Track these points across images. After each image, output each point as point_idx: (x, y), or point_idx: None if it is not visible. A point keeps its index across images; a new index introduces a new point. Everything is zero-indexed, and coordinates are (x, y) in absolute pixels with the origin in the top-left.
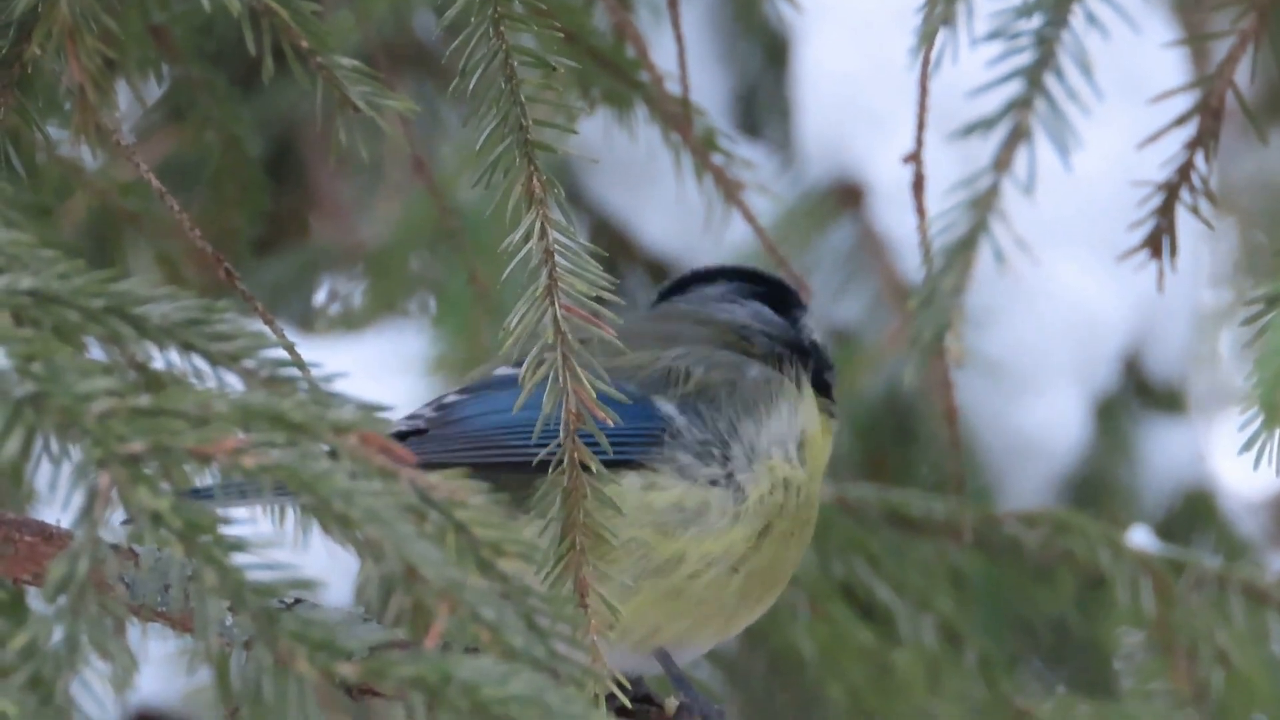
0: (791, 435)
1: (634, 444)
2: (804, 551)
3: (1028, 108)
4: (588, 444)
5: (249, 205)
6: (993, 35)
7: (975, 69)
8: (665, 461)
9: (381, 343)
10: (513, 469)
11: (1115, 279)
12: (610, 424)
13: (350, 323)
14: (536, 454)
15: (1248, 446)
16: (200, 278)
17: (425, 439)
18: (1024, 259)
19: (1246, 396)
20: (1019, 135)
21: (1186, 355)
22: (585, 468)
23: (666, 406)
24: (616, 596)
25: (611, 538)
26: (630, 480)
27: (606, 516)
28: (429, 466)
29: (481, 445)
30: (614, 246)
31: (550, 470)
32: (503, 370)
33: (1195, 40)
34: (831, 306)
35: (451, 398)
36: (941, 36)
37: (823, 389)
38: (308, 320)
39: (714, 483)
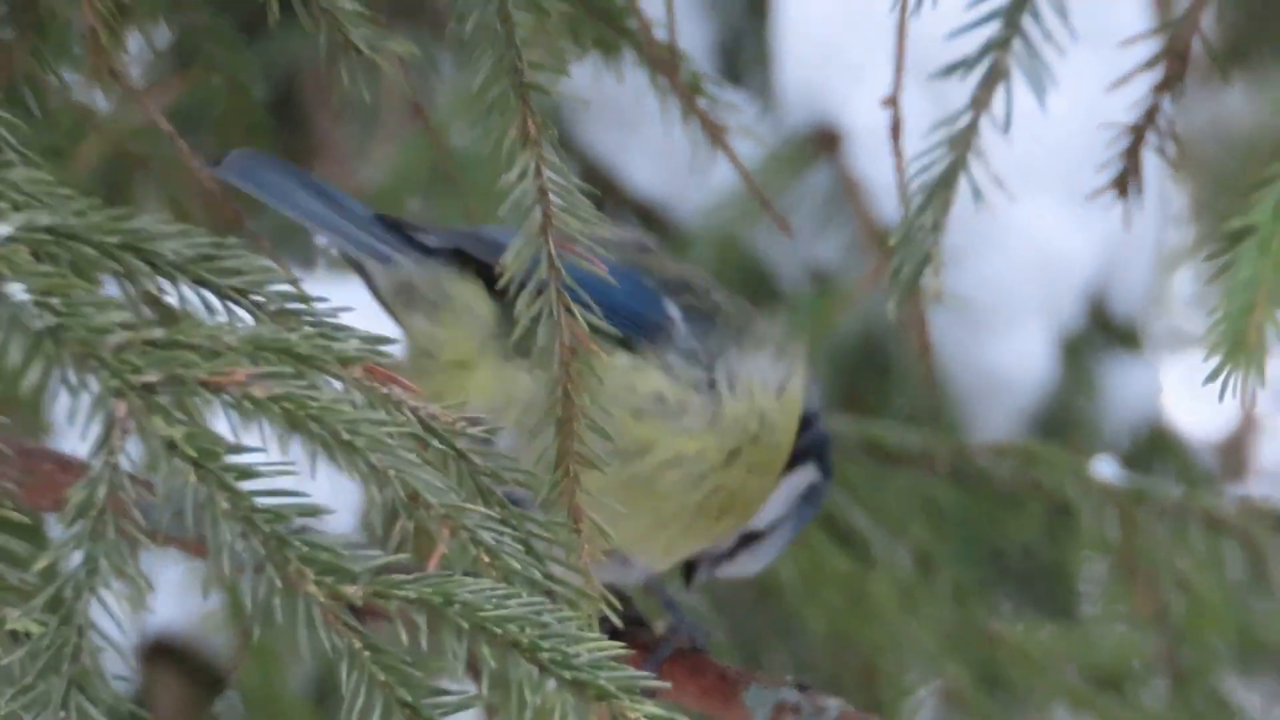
0: (775, 378)
1: (636, 325)
2: (763, 498)
3: (1006, 48)
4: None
5: (254, 148)
6: None
7: (952, 15)
8: (655, 355)
9: None
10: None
11: (1082, 219)
12: (604, 357)
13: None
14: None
15: (1212, 379)
16: (208, 218)
17: (454, 235)
18: (1000, 197)
19: (1211, 330)
20: (997, 75)
21: (1149, 294)
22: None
23: (672, 307)
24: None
25: (610, 424)
26: (621, 359)
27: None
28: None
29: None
30: (602, 189)
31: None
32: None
33: None
34: (810, 247)
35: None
36: None
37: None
38: (310, 260)
39: (696, 388)
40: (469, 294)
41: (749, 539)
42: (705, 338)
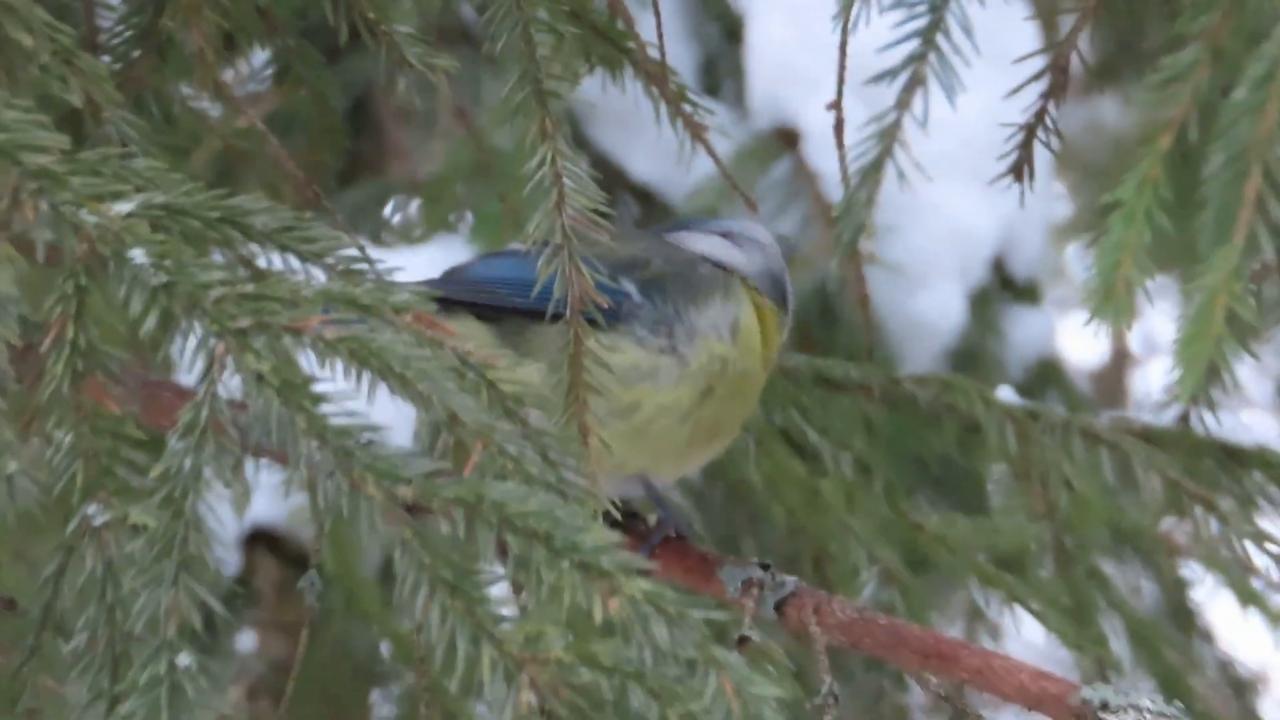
0: (725, 321)
1: (602, 312)
2: (749, 410)
3: (923, 61)
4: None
5: (333, 146)
6: (895, 5)
7: (882, 33)
8: (626, 333)
9: (434, 251)
10: (509, 314)
11: (986, 198)
12: (604, 306)
13: (410, 237)
14: (528, 302)
15: (1089, 323)
16: (296, 200)
17: (437, 282)
18: (920, 180)
19: (1087, 284)
20: (916, 82)
21: (1040, 258)
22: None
23: (628, 285)
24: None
25: (605, 394)
26: (601, 339)
27: (599, 372)
28: (442, 303)
29: (483, 289)
30: (608, 177)
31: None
32: (513, 245)
33: (1048, 15)
34: (774, 222)
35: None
36: (856, 7)
37: (782, 303)
38: (378, 235)
39: (662, 351)
40: (466, 327)
41: None
42: (663, 304)
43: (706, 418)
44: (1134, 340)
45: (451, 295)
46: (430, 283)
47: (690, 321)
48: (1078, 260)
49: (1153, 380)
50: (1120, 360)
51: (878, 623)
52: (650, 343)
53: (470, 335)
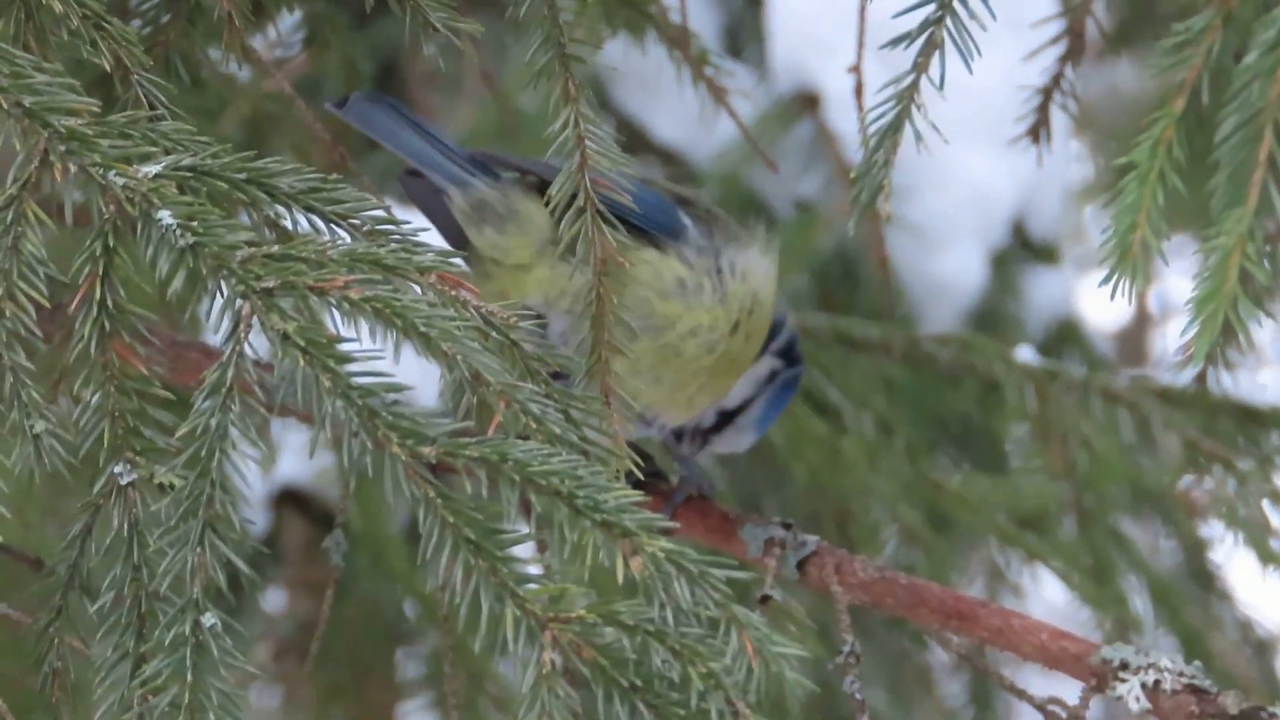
0: (761, 266)
1: (660, 229)
2: (750, 361)
3: (940, 24)
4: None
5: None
6: None
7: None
8: (676, 251)
9: None
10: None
11: (1005, 160)
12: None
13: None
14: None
15: (1105, 283)
16: (324, 163)
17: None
18: (938, 142)
19: (1103, 245)
20: (933, 45)
21: (1059, 219)
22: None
23: (684, 216)
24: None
25: (643, 306)
26: (650, 254)
27: (621, 290)
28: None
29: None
30: (632, 139)
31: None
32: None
33: None
34: (795, 184)
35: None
36: None
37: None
38: (404, 197)
39: (708, 273)
40: (531, 208)
41: (726, 417)
42: (710, 237)
43: (730, 351)
44: (1151, 300)
45: (537, 171)
46: (518, 161)
47: (733, 255)
48: (1096, 221)
49: (1171, 340)
50: (1140, 320)
51: (899, 582)
52: (696, 262)
53: (536, 221)
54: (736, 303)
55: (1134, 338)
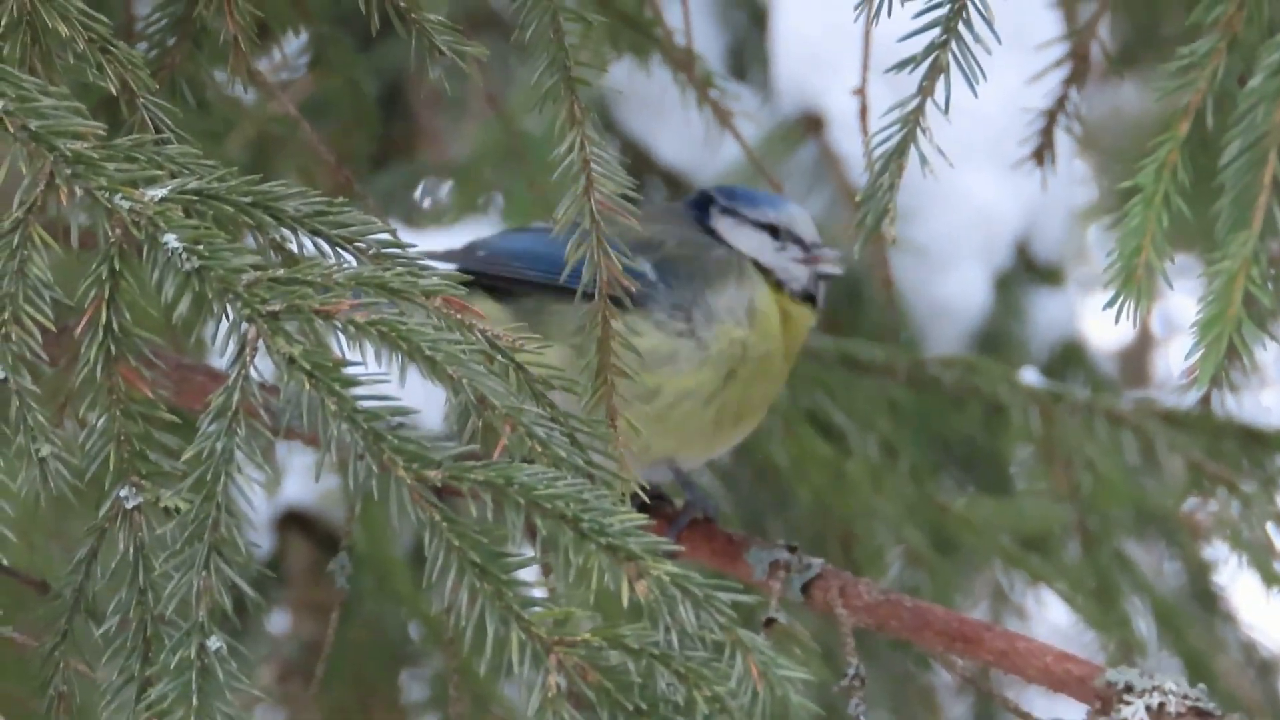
0: (740, 305)
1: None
2: (773, 393)
3: (945, 48)
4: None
5: (366, 131)
6: None
7: (904, 23)
8: (645, 316)
9: (465, 234)
10: (528, 291)
11: (1009, 182)
12: (633, 290)
13: (442, 219)
14: (553, 279)
15: (1110, 305)
16: (330, 185)
17: (457, 254)
18: (943, 166)
19: (1108, 268)
20: (938, 69)
21: (1063, 241)
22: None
23: (644, 265)
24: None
25: (634, 376)
26: (619, 325)
27: (624, 354)
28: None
29: (505, 264)
30: (636, 161)
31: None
32: (538, 224)
33: (1068, 2)
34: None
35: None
36: None
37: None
38: (411, 218)
39: (681, 335)
40: (482, 306)
41: None
42: (679, 287)
43: (731, 401)
44: (1154, 321)
45: (470, 269)
46: (449, 254)
47: (707, 305)
48: (1100, 242)
49: (1174, 360)
50: (1142, 341)
51: (903, 605)
52: (669, 326)
53: (485, 313)
54: (721, 356)
55: (1136, 358)
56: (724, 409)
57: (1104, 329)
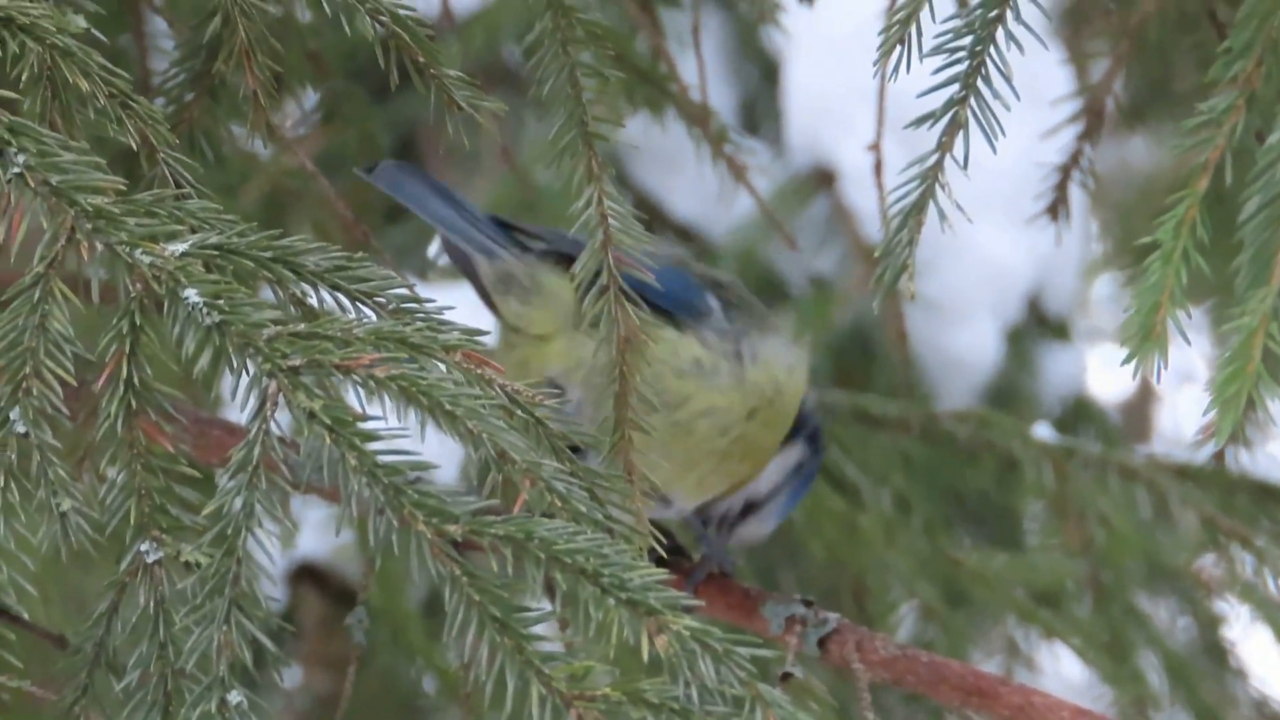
0: (785, 354)
1: (683, 309)
2: (765, 457)
3: (964, 104)
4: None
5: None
6: (935, 50)
7: (921, 79)
8: (696, 331)
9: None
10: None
11: (1022, 237)
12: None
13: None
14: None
15: (1127, 362)
16: (344, 238)
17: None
18: (960, 220)
19: (1125, 324)
20: (957, 125)
21: (1074, 296)
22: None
23: (712, 299)
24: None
25: (658, 381)
26: (669, 332)
27: (642, 377)
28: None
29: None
30: (651, 215)
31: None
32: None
33: (1082, 59)
34: (812, 260)
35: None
36: (896, 52)
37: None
38: (424, 272)
39: (726, 356)
40: (555, 283)
41: (752, 506)
42: (735, 322)
43: (746, 436)
44: (1168, 378)
45: (562, 248)
46: (544, 234)
47: (755, 342)
48: (1106, 295)
49: (1180, 412)
50: (1143, 393)
51: (919, 659)
52: (715, 345)
53: (560, 296)
54: (755, 389)
55: (1138, 410)
56: (736, 443)
57: (1106, 381)
